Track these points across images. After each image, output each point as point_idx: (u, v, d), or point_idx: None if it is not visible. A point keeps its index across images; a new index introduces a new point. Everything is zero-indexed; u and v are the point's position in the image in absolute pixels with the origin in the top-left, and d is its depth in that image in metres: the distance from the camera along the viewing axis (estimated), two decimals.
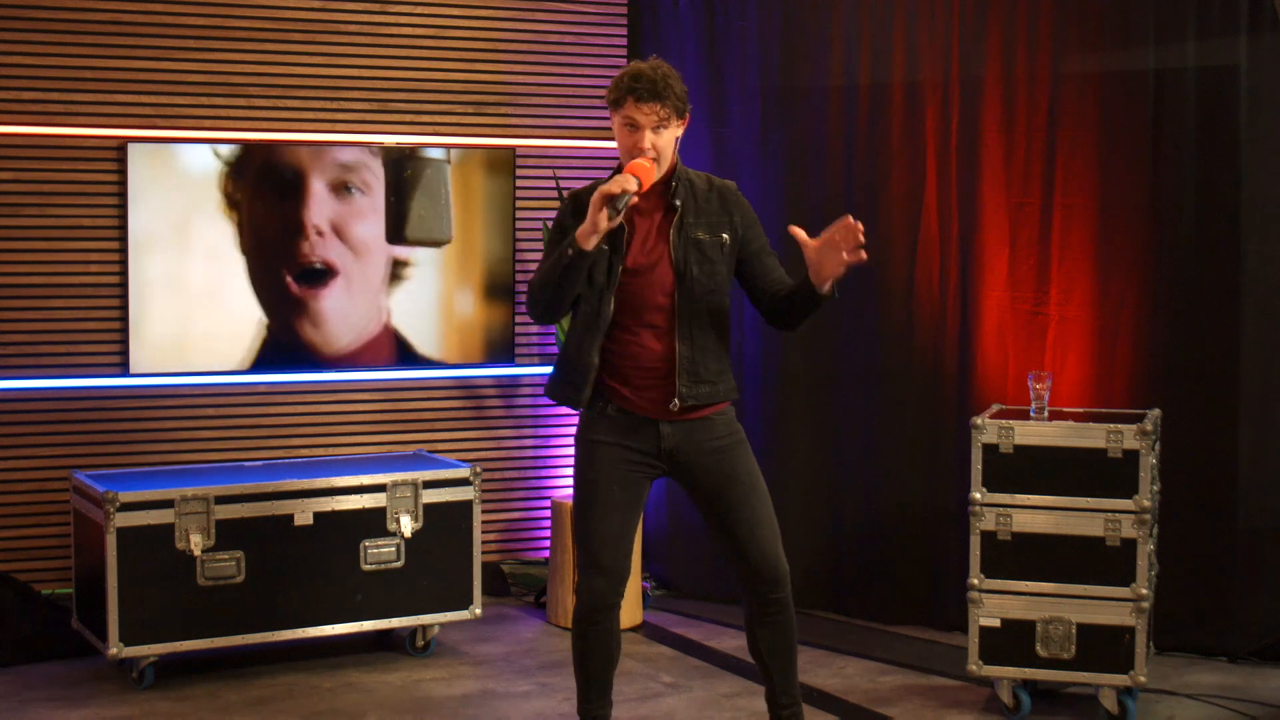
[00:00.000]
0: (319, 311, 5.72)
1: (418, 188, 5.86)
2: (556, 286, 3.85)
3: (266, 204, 5.63)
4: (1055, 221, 5.45)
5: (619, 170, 3.91)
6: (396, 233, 5.83)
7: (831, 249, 3.76)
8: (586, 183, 4.13)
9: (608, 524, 3.91)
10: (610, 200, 3.75)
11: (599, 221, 3.75)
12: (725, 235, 3.97)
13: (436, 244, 5.90)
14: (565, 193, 5.97)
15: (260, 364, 5.65)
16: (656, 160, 3.88)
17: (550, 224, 4.09)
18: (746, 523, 3.96)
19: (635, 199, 3.80)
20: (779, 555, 3.98)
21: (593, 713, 4.01)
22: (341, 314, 5.75)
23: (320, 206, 5.69)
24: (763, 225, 4.08)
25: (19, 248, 5.48)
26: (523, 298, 6.10)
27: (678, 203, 3.95)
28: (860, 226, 3.73)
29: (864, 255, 3.76)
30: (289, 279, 5.66)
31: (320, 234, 5.69)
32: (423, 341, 5.91)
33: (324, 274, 5.71)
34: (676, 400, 3.91)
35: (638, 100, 3.86)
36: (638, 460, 3.95)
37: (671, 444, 3.94)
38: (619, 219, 3.78)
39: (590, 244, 3.78)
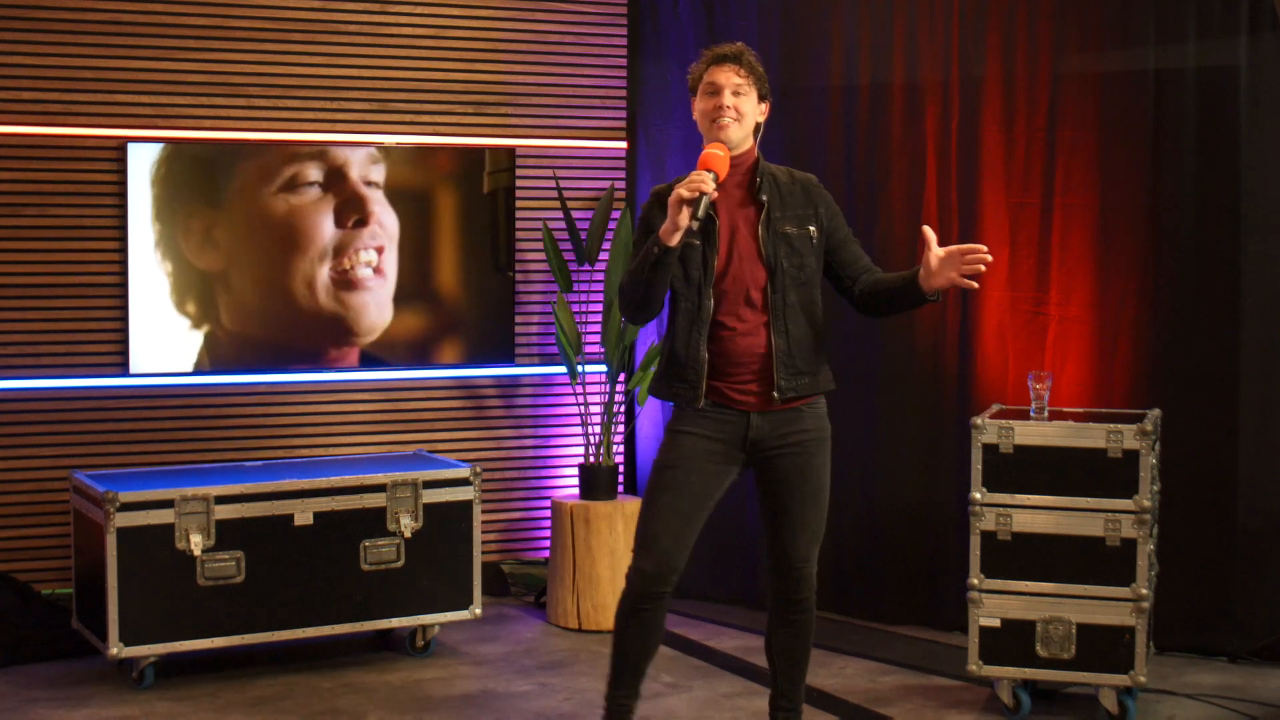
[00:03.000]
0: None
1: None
2: (646, 285, 3.83)
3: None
4: (1055, 221, 5.45)
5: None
6: None
7: (951, 263, 3.85)
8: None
9: (675, 510, 3.90)
10: (690, 203, 3.73)
11: (679, 221, 3.74)
12: (812, 228, 4.00)
13: None
14: (564, 192, 6.01)
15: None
16: (738, 121, 3.90)
17: (635, 222, 4.07)
18: (793, 523, 3.98)
19: (714, 194, 3.79)
20: (811, 560, 4.01)
21: (620, 699, 4.00)
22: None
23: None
24: None
25: (19, 248, 5.48)
26: (521, 297, 6.14)
27: (764, 197, 3.96)
28: (990, 259, 3.85)
29: (975, 285, 3.89)
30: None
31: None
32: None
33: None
34: (776, 393, 3.91)
35: (718, 63, 3.93)
36: (721, 451, 3.94)
37: (759, 434, 3.94)
38: (701, 219, 3.76)
39: (674, 240, 3.77)
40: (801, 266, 3.97)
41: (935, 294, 3.92)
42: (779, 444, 3.95)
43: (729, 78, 3.91)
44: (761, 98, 3.98)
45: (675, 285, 3.92)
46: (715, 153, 3.84)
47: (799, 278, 3.96)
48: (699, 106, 3.97)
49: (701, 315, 3.91)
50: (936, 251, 3.87)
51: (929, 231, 3.90)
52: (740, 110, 3.92)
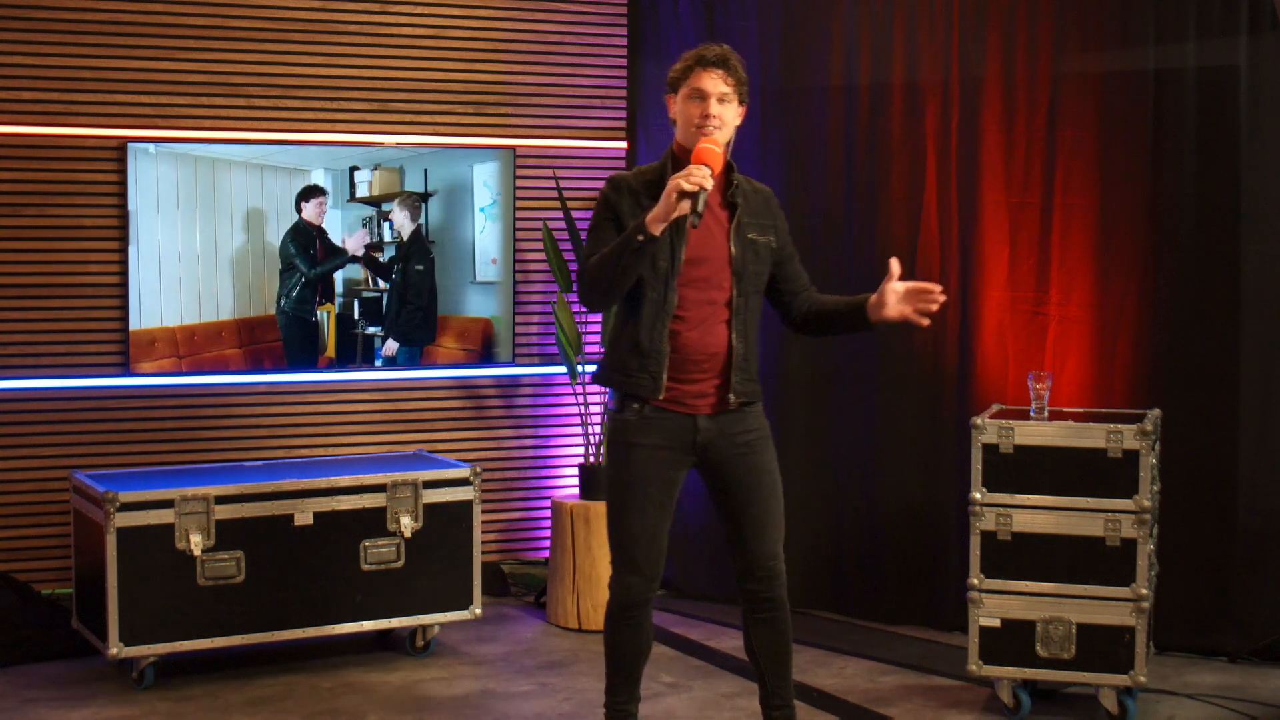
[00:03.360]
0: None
1: None
2: (622, 272, 3.81)
3: None
4: (1055, 221, 5.45)
5: (672, 156, 3.92)
6: None
7: (908, 299, 3.89)
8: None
9: (642, 525, 3.94)
10: (690, 196, 3.70)
11: (672, 211, 3.71)
12: (772, 238, 4.02)
13: None
14: (564, 192, 6.00)
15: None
16: (720, 129, 3.89)
17: (594, 211, 4.02)
18: (756, 520, 4.00)
19: (710, 188, 3.77)
20: (778, 556, 4.03)
21: (620, 705, 4.03)
22: None
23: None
24: None
25: (19, 248, 5.48)
26: (521, 297, 6.14)
27: (738, 200, 3.97)
28: (944, 300, 3.91)
29: (927, 323, 3.93)
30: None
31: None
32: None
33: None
34: (732, 395, 3.93)
35: (704, 67, 3.90)
36: (669, 458, 3.96)
37: (707, 438, 3.96)
38: (701, 214, 3.73)
39: (660, 230, 3.75)
40: (760, 275, 4.00)
41: (879, 324, 3.96)
42: (728, 445, 3.97)
43: (715, 85, 3.90)
44: (740, 102, 3.97)
45: (643, 274, 3.89)
46: (712, 148, 3.82)
47: (756, 285, 4.00)
48: (681, 109, 3.95)
49: (667, 307, 3.91)
50: (895, 286, 3.90)
51: (895, 265, 3.92)
52: (724, 119, 3.92)
